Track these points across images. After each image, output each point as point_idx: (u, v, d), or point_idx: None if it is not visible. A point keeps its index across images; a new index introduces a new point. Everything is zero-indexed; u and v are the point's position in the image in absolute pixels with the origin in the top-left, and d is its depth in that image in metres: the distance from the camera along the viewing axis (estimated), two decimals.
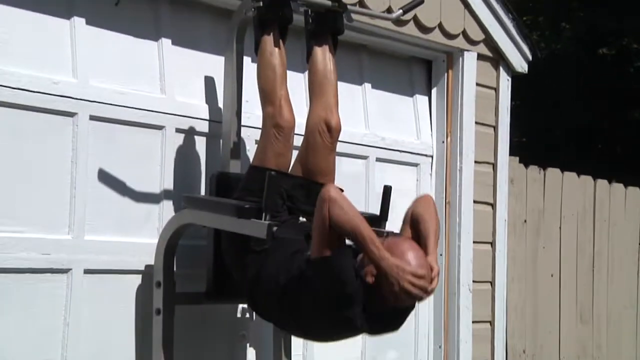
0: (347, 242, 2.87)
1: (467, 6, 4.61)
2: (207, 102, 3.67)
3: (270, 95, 3.32)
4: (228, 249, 3.25)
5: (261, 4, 3.28)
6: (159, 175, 3.50)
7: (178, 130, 3.55)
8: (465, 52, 4.65)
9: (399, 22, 4.16)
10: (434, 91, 4.69)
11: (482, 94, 4.77)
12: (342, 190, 3.34)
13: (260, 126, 3.40)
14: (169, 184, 3.52)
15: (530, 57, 4.94)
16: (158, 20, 3.56)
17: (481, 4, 4.65)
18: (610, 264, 6.30)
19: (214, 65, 3.67)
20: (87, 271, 3.25)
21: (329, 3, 3.38)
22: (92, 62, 3.32)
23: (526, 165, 5.60)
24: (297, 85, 3.74)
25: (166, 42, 3.57)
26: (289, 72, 3.38)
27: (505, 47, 4.81)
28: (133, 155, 3.42)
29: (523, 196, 5.55)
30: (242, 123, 3.59)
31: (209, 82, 3.70)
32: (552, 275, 5.78)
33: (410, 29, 4.34)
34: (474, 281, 4.68)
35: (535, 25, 11.64)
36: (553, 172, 5.84)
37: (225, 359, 3.67)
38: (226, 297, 3.45)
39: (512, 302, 5.25)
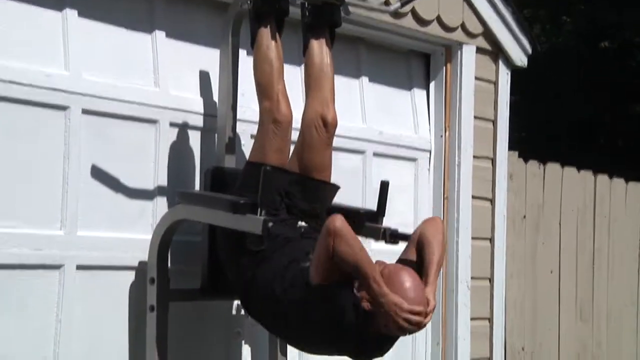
0: None
1: None
2: (202, 95, 3.67)
3: (267, 90, 3.31)
4: (223, 246, 3.25)
5: None
6: (152, 170, 3.49)
7: (172, 125, 3.55)
8: (464, 46, 4.64)
9: (396, 14, 4.16)
10: (432, 85, 4.69)
11: (481, 88, 4.76)
12: (338, 188, 3.36)
13: (257, 120, 3.39)
14: (163, 179, 3.51)
15: (530, 51, 4.94)
16: (152, 12, 3.55)
17: None
18: (611, 261, 6.31)
19: (209, 58, 3.66)
20: (80, 267, 3.25)
21: None
22: (84, 54, 3.31)
23: (525, 160, 5.60)
24: (293, 79, 3.74)
25: (160, 34, 3.56)
26: (285, 66, 3.37)
27: (504, 40, 4.81)
28: (126, 150, 3.42)
29: (522, 191, 5.55)
30: (238, 117, 3.58)
31: (204, 75, 3.69)
32: (551, 272, 5.79)
33: (408, 22, 4.34)
34: (472, 278, 4.68)
35: (536, 18, 11.64)
36: (553, 167, 5.85)
37: (220, 356, 3.67)
38: (221, 294, 3.45)
39: (511, 299, 5.25)
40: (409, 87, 4.63)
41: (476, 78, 4.73)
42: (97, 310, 3.30)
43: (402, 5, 3.78)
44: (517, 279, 5.42)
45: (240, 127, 3.62)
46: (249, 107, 3.68)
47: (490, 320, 4.85)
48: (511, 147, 5.08)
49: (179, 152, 3.56)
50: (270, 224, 2.94)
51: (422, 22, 4.40)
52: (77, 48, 3.29)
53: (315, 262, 2.83)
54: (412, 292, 2.78)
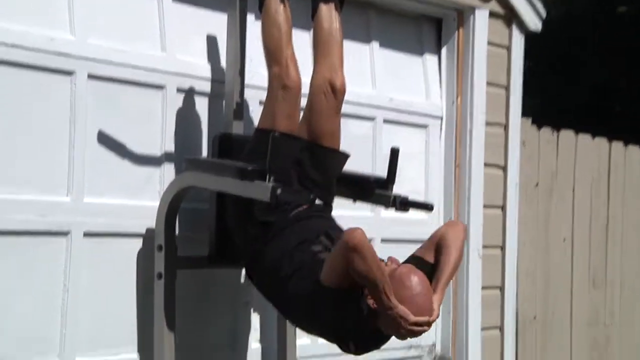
0: None
1: None
2: (209, 60, 3.65)
3: (275, 55, 3.30)
4: (232, 213, 3.25)
5: None
6: (159, 136, 3.49)
7: (179, 90, 3.54)
8: (477, 10, 4.60)
9: None
10: (443, 50, 4.66)
11: (494, 54, 4.73)
12: (348, 156, 3.34)
13: (265, 86, 3.38)
14: (170, 146, 3.51)
15: (544, 15, 4.90)
16: None
17: None
18: (625, 229, 6.29)
19: (217, 23, 3.64)
20: (87, 234, 3.26)
21: None
22: (89, 18, 3.30)
23: (539, 127, 5.57)
24: (302, 44, 3.71)
25: None
26: (293, 31, 3.35)
27: (518, 4, 4.77)
28: (133, 116, 3.41)
29: (535, 159, 5.53)
30: (246, 83, 3.57)
31: (212, 40, 3.67)
32: (564, 240, 5.78)
33: None
34: (484, 246, 4.68)
35: None
36: (566, 134, 5.81)
37: (228, 324, 3.69)
38: (229, 262, 3.45)
39: (522, 267, 5.25)
40: (420, 53, 4.60)
41: (489, 43, 4.69)
42: (105, 278, 3.31)
43: None
44: (529, 247, 5.41)
45: (248, 93, 3.61)
46: (257, 72, 3.67)
47: (502, 288, 4.85)
48: (524, 114, 5.05)
49: (186, 118, 3.56)
50: (279, 191, 2.92)
51: None
52: (82, 12, 3.27)
53: (330, 267, 2.83)
54: (419, 300, 2.79)
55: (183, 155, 3.48)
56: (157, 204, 3.32)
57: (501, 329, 4.85)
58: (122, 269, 3.36)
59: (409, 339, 2.89)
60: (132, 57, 3.40)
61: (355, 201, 3.68)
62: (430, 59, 4.64)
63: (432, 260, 3.00)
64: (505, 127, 4.84)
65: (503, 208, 4.85)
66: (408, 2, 4.43)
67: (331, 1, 3.36)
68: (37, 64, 3.14)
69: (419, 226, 4.50)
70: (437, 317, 2.87)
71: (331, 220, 3.24)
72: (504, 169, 4.84)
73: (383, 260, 2.90)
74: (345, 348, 2.95)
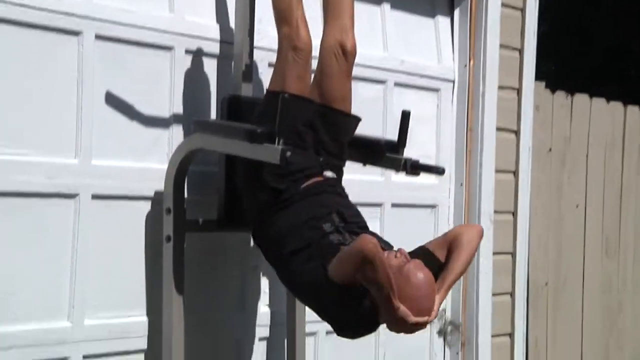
0: None
1: None
2: (218, 21, 3.65)
3: (285, 15, 3.28)
4: (241, 174, 3.27)
5: None
6: (167, 98, 3.50)
7: (187, 51, 3.55)
8: None
9: None
10: (456, 12, 4.64)
11: (508, 15, 4.71)
12: (360, 120, 3.34)
13: (274, 48, 3.38)
14: (178, 108, 3.52)
15: None
16: None
17: None
18: (639, 195, 6.29)
19: None
20: (95, 196, 3.28)
21: None
22: None
23: (553, 91, 5.56)
24: (312, 3, 3.71)
25: None
26: None
27: None
28: (141, 77, 3.42)
29: (549, 123, 5.52)
30: (255, 44, 3.57)
31: (220, 0, 3.67)
32: (577, 206, 5.79)
33: None
34: (495, 212, 4.70)
35: None
36: (581, 98, 5.80)
37: (237, 288, 3.72)
38: (238, 225, 3.47)
39: (534, 233, 5.27)
40: (432, 15, 4.59)
41: (503, 4, 4.68)
42: (113, 241, 3.34)
43: None
44: (541, 213, 5.42)
45: (257, 55, 3.61)
46: (266, 33, 3.67)
47: (513, 255, 4.87)
48: (538, 78, 5.04)
49: (194, 79, 3.56)
50: (289, 154, 2.92)
51: None
52: None
53: (339, 267, 2.83)
54: (421, 301, 2.81)
55: (191, 117, 3.49)
56: (165, 166, 3.34)
57: (512, 295, 4.88)
58: (131, 231, 3.39)
59: None
60: (140, 18, 3.40)
61: (365, 165, 3.69)
62: (443, 21, 4.62)
63: (442, 258, 3.02)
64: (519, 90, 4.84)
65: (515, 173, 4.85)
66: None
67: None
68: (44, 23, 3.15)
69: (430, 191, 4.52)
70: (435, 317, 2.89)
71: (344, 197, 3.25)
72: (517, 133, 4.84)
73: (393, 250, 2.93)
74: (341, 334, 3.01)
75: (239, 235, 3.64)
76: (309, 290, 3.00)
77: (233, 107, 3.43)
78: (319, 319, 3.06)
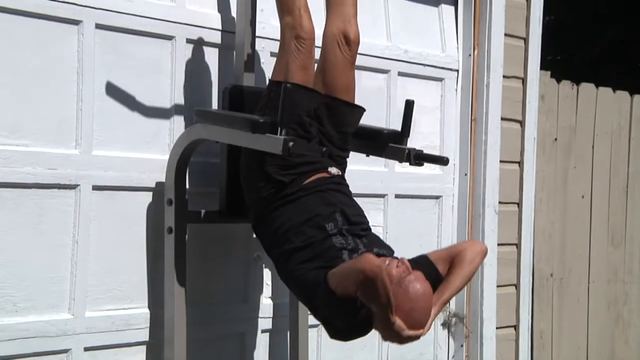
0: None
1: None
2: (219, 10, 3.65)
3: (288, 4, 3.28)
4: (244, 167, 3.27)
5: None
6: (169, 88, 3.50)
7: (189, 41, 3.54)
8: None
9: None
10: (460, 0, 4.63)
11: (513, 4, 4.70)
12: (364, 110, 3.34)
13: (276, 38, 3.38)
14: (180, 98, 3.52)
15: None
16: None
17: None
18: None
19: None
20: (96, 187, 3.29)
21: None
22: None
23: (558, 81, 5.55)
24: None
25: None
26: None
27: None
28: (142, 67, 3.42)
29: (554, 113, 5.51)
30: (257, 34, 3.57)
31: None
32: (582, 197, 5.78)
33: None
34: (500, 202, 4.69)
35: None
36: (587, 88, 5.79)
37: (240, 279, 3.73)
38: (239, 217, 3.48)
39: (540, 224, 5.26)
40: (436, 3, 4.58)
41: None
42: (115, 232, 3.35)
43: None
44: (546, 203, 5.42)
45: (259, 45, 3.61)
46: (268, 23, 3.66)
47: (518, 245, 4.87)
48: (543, 67, 5.03)
49: (196, 69, 3.56)
50: (292, 144, 2.91)
51: None
52: None
53: (339, 280, 2.83)
54: (417, 314, 2.80)
55: (193, 107, 3.49)
56: (166, 157, 3.35)
57: (517, 286, 4.88)
58: (132, 223, 3.39)
59: None
60: (141, 7, 3.40)
61: (368, 155, 3.69)
62: (447, 10, 4.61)
63: (443, 272, 3.02)
64: (524, 80, 4.83)
65: (520, 163, 4.85)
66: None
67: None
68: (44, 12, 3.15)
69: (434, 182, 4.52)
70: (428, 331, 2.89)
71: (348, 196, 3.25)
72: (522, 123, 4.83)
73: (395, 258, 2.93)
74: (334, 337, 3.01)
75: (241, 227, 3.64)
76: (306, 290, 3.00)
77: (235, 97, 3.43)
78: None
